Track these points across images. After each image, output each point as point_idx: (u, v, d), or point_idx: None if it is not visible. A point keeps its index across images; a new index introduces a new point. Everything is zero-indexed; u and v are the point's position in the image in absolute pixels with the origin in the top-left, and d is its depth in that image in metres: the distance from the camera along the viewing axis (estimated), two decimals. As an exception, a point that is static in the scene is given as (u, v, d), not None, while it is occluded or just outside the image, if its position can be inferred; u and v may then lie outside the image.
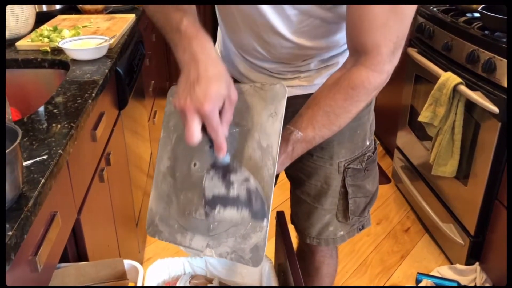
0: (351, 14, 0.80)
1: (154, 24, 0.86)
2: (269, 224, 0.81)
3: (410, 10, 0.77)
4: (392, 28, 0.78)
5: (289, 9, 0.86)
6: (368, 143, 1.09)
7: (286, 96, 0.82)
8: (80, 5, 1.95)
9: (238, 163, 0.84)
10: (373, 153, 1.10)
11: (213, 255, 0.86)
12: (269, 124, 0.83)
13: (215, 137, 0.75)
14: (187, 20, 0.78)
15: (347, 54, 0.97)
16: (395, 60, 0.81)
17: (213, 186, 0.84)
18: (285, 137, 0.86)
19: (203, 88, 0.71)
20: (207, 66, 0.73)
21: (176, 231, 0.90)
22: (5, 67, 1.42)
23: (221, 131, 0.74)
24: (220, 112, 0.74)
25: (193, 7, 0.83)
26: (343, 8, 0.84)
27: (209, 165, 0.85)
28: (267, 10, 0.87)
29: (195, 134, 0.72)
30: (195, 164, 0.88)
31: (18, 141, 0.69)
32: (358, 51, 0.81)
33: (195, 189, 0.88)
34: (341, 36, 0.94)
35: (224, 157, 0.80)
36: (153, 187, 0.95)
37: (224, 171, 0.83)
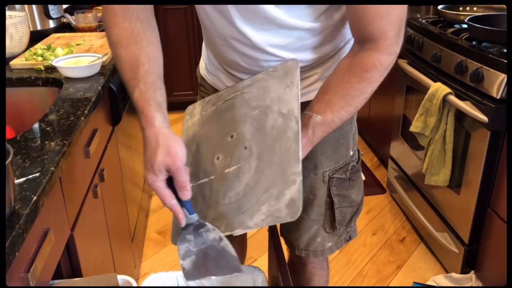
0: (353, 8, 0.84)
1: None
2: (301, 176, 0.81)
3: None
4: (394, 13, 0.82)
5: (268, 25, 0.88)
6: (351, 153, 1.10)
7: (299, 66, 0.88)
8: (74, 23, 1.98)
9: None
10: (357, 163, 1.11)
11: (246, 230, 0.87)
12: (287, 93, 0.87)
13: (168, 207, 0.82)
14: (138, 92, 0.83)
15: (326, 65, 1.00)
16: (401, 40, 0.86)
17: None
18: (305, 122, 0.87)
19: (145, 163, 0.81)
20: (148, 141, 0.81)
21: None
22: (5, 67, 1.43)
23: (168, 200, 0.81)
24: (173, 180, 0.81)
25: (151, 74, 0.86)
26: (333, 14, 0.88)
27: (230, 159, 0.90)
28: (245, 27, 0.89)
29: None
30: (218, 158, 0.92)
31: (9, 159, 0.70)
32: (365, 39, 0.85)
33: (221, 179, 0.90)
34: (325, 47, 0.96)
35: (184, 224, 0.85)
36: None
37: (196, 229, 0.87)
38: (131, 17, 0.88)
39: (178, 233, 0.93)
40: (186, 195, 0.81)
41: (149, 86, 0.83)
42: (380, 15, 0.82)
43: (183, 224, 0.84)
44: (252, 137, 0.89)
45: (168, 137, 0.80)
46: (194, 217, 0.85)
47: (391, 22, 0.83)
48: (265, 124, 0.88)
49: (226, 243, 0.86)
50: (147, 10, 0.91)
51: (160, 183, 0.80)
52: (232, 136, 0.91)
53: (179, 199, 0.82)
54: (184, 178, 0.79)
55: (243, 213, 0.86)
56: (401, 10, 0.83)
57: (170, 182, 0.82)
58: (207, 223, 0.86)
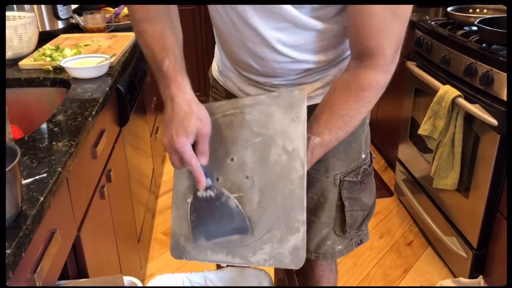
0: (354, 20, 0.84)
1: (145, 56, 0.94)
2: (305, 225, 0.83)
3: (407, 11, 0.82)
4: (393, 30, 0.82)
5: (283, 23, 0.88)
6: (363, 156, 1.09)
7: (306, 100, 0.86)
8: (82, 24, 1.99)
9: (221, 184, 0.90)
10: (369, 166, 1.10)
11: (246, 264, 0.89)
12: (292, 128, 0.86)
13: (191, 169, 0.84)
14: (168, 61, 0.86)
15: (339, 66, 0.99)
16: (397, 59, 0.86)
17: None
18: None
19: (175, 127, 0.81)
20: (180, 106, 0.82)
21: (205, 249, 0.91)
22: (5, 67, 1.43)
23: (195, 163, 0.83)
24: (196, 146, 0.84)
25: (178, 46, 0.90)
26: (345, 16, 0.87)
27: (228, 180, 0.90)
28: (260, 25, 0.89)
29: (174, 164, 0.85)
30: (218, 179, 0.91)
31: (16, 160, 0.70)
32: (363, 54, 0.85)
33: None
34: (337, 49, 0.96)
35: (203, 188, 0.87)
36: (173, 209, 0.95)
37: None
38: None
39: (177, 245, 0.93)
40: (207, 160, 0.85)
41: (178, 57, 0.87)
42: (379, 30, 0.82)
43: (204, 187, 0.86)
44: (254, 167, 0.88)
45: (199, 105, 0.84)
46: (208, 181, 0.87)
47: (390, 39, 0.82)
48: (268, 157, 0.87)
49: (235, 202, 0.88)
50: None
51: (189, 145, 0.82)
52: (232, 160, 0.90)
53: None
54: (207, 144, 0.84)
55: (245, 247, 0.87)
56: (401, 28, 0.83)
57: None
58: (221, 188, 0.89)
